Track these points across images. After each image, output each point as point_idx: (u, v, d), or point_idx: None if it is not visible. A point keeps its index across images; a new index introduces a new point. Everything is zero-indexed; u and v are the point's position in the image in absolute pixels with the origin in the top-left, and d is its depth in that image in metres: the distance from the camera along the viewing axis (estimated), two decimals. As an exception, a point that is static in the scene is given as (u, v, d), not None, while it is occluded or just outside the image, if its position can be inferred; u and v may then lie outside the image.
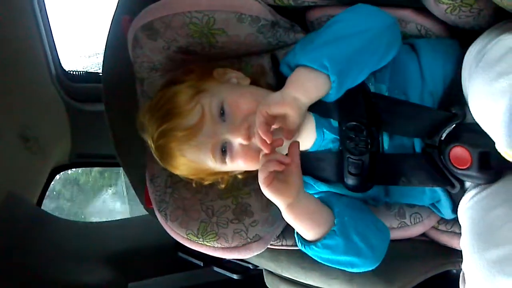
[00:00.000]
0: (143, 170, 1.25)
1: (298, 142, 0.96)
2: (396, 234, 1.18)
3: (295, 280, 1.32)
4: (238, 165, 1.04)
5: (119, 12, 1.28)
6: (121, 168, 1.40)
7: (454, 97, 0.96)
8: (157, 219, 1.20)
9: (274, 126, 0.94)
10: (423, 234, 1.22)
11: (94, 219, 3.27)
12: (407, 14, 1.07)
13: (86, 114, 2.25)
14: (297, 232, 1.04)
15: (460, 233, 0.96)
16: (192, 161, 1.04)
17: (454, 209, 1.06)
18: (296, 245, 1.23)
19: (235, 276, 1.63)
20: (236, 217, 1.17)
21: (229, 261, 1.64)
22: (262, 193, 1.19)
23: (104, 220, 3.22)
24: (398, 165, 1.04)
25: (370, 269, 1.02)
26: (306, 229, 1.00)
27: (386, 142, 1.04)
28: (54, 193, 3.10)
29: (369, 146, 1.01)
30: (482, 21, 0.99)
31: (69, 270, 1.86)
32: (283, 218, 1.19)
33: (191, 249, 1.18)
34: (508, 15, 0.90)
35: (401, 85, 1.02)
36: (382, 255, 1.03)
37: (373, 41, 0.95)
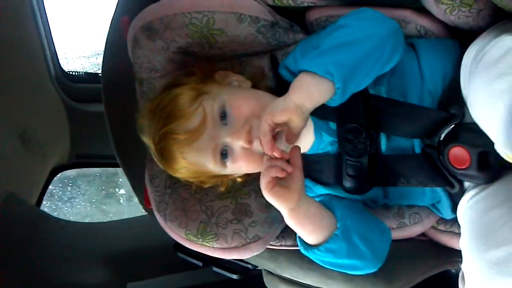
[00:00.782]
0: (143, 171, 1.24)
1: (299, 147, 0.96)
2: (395, 234, 1.18)
3: (294, 280, 1.31)
4: (239, 168, 1.04)
5: (119, 12, 1.28)
6: (121, 169, 1.40)
7: (453, 97, 0.96)
8: (156, 219, 1.20)
9: (276, 129, 0.94)
10: (422, 234, 1.22)
11: (93, 219, 3.26)
12: (407, 14, 1.07)
13: (86, 114, 2.25)
14: (299, 236, 1.04)
15: (459, 233, 0.96)
16: (192, 164, 1.03)
17: (454, 209, 1.06)
18: (295, 246, 1.23)
19: (234, 276, 1.63)
20: (236, 217, 1.17)
21: (228, 261, 1.64)
22: (261, 193, 1.19)
23: (103, 220, 3.21)
24: (397, 166, 1.04)
25: (372, 271, 1.02)
26: (308, 233, 1.00)
27: (384, 143, 1.04)
28: (53, 193, 3.10)
29: (368, 148, 1.01)
30: (482, 22, 0.98)
31: (68, 270, 1.86)
32: (282, 219, 1.19)
33: (190, 249, 1.18)
34: (507, 15, 0.90)
35: (399, 86, 1.02)
36: (384, 257, 1.03)
37: (378, 47, 0.94)
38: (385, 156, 1.04)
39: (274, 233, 1.21)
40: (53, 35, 2.21)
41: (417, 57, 1.04)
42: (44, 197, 2.44)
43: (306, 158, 1.07)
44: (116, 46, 1.29)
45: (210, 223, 1.15)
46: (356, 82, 0.95)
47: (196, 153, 1.01)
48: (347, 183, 1.06)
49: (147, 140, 1.06)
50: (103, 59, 1.34)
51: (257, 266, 1.45)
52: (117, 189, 3.44)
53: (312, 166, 1.09)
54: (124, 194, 3.33)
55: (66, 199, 3.23)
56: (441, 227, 1.20)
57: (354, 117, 1.01)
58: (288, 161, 0.94)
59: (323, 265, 1.03)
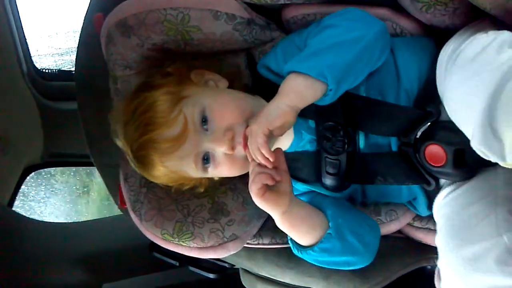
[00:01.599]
0: (117, 170, 1.23)
1: (281, 149, 0.95)
2: (372, 232, 1.19)
3: (271, 279, 1.32)
4: (220, 172, 1.03)
5: (92, 8, 1.26)
6: (95, 168, 1.38)
7: (429, 95, 0.96)
8: (132, 219, 1.18)
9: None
10: (398, 231, 1.23)
11: (67, 220, 3.22)
12: (383, 13, 1.07)
13: (59, 112, 2.22)
14: (290, 238, 1.03)
15: (435, 230, 0.97)
16: (173, 171, 1.02)
17: (430, 206, 1.07)
18: (273, 244, 1.23)
19: (211, 276, 1.63)
20: (212, 216, 1.16)
21: (205, 260, 1.63)
22: (238, 192, 1.19)
23: (78, 220, 3.18)
24: (375, 164, 1.04)
25: (365, 265, 1.04)
26: (301, 235, 1.00)
27: (362, 141, 1.04)
28: (25, 193, 3.05)
29: (346, 146, 1.02)
30: (457, 20, 0.99)
31: (42, 271, 1.84)
32: (259, 217, 1.19)
33: (166, 249, 1.17)
34: (483, 14, 0.91)
35: (377, 85, 1.02)
36: (375, 250, 1.05)
37: (368, 48, 0.94)
38: (363, 154, 1.04)
39: (251, 232, 1.20)
40: (26, 31, 2.17)
41: (393, 56, 1.04)
42: (17, 198, 2.40)
43: (286, 156, 1.06)
44: (89, 43, 1.27)
45: (186, 223, 1.15)
46: (348, 83, 0.94)
47: (177, 161, 0.99)
48: (327, 181, 1.06)
49: (123, 146, 1.03)
50: (77, 56, 1.32)
51: (234, 265, 1.45)
52: (91, 189, 3.40)
53: (292, 164, 1.08)
54: (99, 193, 3.29)
55: (39, 199, 3.17)
56: (417, 223, 1.21)
57: (331, 116, 1.01)
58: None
59: (317, 264, 1.03)
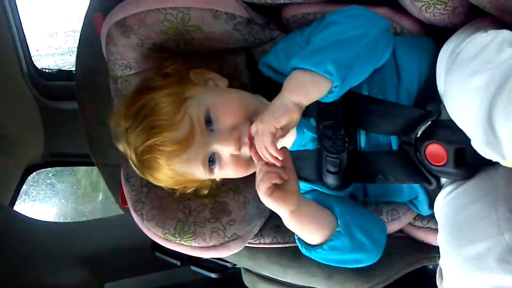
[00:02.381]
0: (118, 170, 1.23)
1: (287, 148, 0.94)
2: (373, 231, 1.19)
3: (273, 278, 1.32)
4: (226, 174, 1.03)
5: (92, 8, 1.26)
6: (96, 167, 1.39)
7: (429, 94, 0.96)
8: (133, 219, 1.18)
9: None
10: (400, 231, 1.23)
11: (69, 219, 3.22)
12: (383, 12, 1.07)
13: (60, 112, 2.22)
14: (298, 238, 1.03)
15: (436, 229, 0.97)
16: (180, 174, 1.00)
17: (431, 205, 1.07)
18: (274, 243, 1.23)
19: (213, 275, 1.63)
20: (214, 216, 1.16)
21: (206, 260, 1.63)
22: (239, 191, 1.19)
23: (80, 220, 3.18)
24: (375, 162, 1.04)
25: (374, 262, 1.04)
26: (310, 233, 0.99)
27: (363, 140, 1.04)
28: (27, 193, 3.06)
29: (347, 145, 1.01)
30: (457, 19, 0.99)
31: (44, 271, 1.84)
32: (260, 217, 1.19)
33: (167, 248, 1.17)
34: (482, 12, 0.91)
35: (379, 84, 1.02)
36: (383, 247, 1.04)
37: (372, 45, 0.94)
38: (364, 153, 1.04)
39: (253, 231, 1.20)
40: (26, 31, 2.17)
41: (393, 55, 1.04)
42: (18, 197, 2.40)
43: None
44: (90, 43, 1.27)
45: (187, 222, 1.15)
46: (352, 80, 0.94)
47: (185, 163, 0.98)
48: (328, 179, 1.06)
49: (126, 150, 1.02)
50: (77, 56, 1.32)
51: (236, 265, 1.45)
52: (92, 188, 3.40)
53: (293, 163, 1.08)
54: (100, 193, 3.29)
55: (41, 198, 3.18)
56: (418, 223, 1.20)
57: (332, 114, 1.01)
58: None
59: (326, 263, 1.02)
